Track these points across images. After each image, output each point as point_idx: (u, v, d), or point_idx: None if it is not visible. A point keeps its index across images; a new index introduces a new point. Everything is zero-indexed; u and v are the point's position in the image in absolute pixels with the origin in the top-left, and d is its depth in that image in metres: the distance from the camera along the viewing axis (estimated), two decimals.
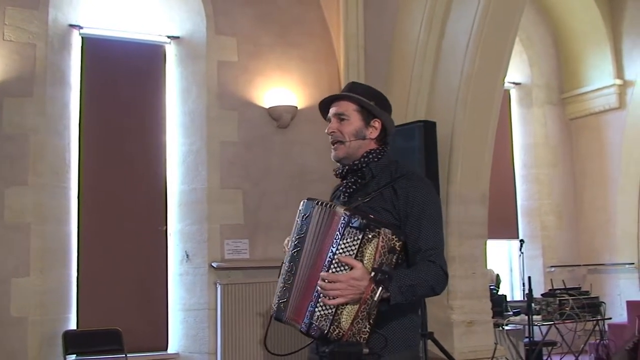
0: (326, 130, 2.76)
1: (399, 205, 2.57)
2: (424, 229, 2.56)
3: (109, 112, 6.52)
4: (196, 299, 6.40)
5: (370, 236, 2.38)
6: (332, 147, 2.75)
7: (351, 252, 2.39)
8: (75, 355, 5.89)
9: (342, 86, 6.83)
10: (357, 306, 2.38)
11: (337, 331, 2.39)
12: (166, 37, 6.77)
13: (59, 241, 5.99)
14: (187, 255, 6.46)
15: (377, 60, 6.67)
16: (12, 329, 5.66)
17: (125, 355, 5.87)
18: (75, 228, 6.18)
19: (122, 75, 6.63)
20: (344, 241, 2.39)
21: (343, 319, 2.39)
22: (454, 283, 5.85)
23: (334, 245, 2.41)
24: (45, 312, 5.81)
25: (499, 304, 6.96)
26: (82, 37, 6.42)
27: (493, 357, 5.81)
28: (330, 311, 2.40)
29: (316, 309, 2.41)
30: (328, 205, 2.53)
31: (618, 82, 8.78)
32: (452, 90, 5.89)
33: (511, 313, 7.07)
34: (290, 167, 6.79)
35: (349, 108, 2.73)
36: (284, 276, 2.58)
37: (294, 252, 2.56)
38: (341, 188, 2.75)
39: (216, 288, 6.32)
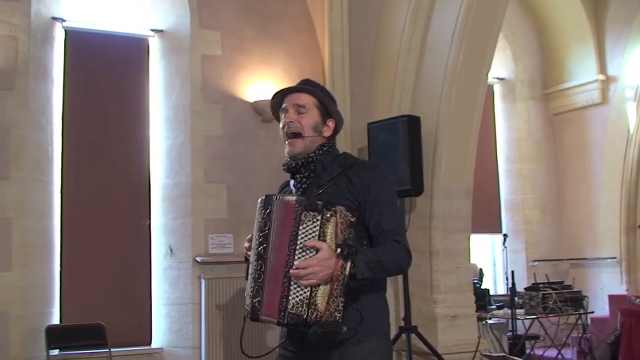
0: (284, 120, 2.75)
1: (356, 193, 2.62)
2: (384, 211, 2.62)
3: (92, 106, 6.48)
4: (180, 294, 6.39)
5: (328, 215, 2.43)
6: (287, 141, 2.75)
7: (314, 235, 2.43)
8: (58, 350, 5.85)
9: (327, 80, 6.87)
10: (330, 285, 2.42)
11: (314, 314, 2.41)
12: (150, 31, 6.73)
13: (41, 235, 5.95)
14: (171, 250, 6.44)
15: (362, 54, 6.66)
16: None
17: (109, 349, 5.85)
18: (58, 222, 6.14)
19: (105, 69, 6.58)
20: (304, 226, 2.44)
21: (318, 301, 2.41)
22: (438, 277, 5.86)
23: (295, 232, 2.44)
24: (28, 307, 5.77)
25: (483, 298, 6.99)
26: (65, 30, 6.36)
27: (476, 350, 5.84)
28: (305, 295, 2.41)
29: (290, 297, 2.43)
30: (281, 198, 2.57)
31: (601, 77, 8.82)
32: (436, 85, 5.90)
33: (494, 307, 7.11)
34: (274, 162, 6.73)
35: (309, 101, 2.75)
36: (253, 275, 2.55)
37: (260, 249, 2.54)
38: (294, 184, 2.78)
39: (200, 282, 6.31)
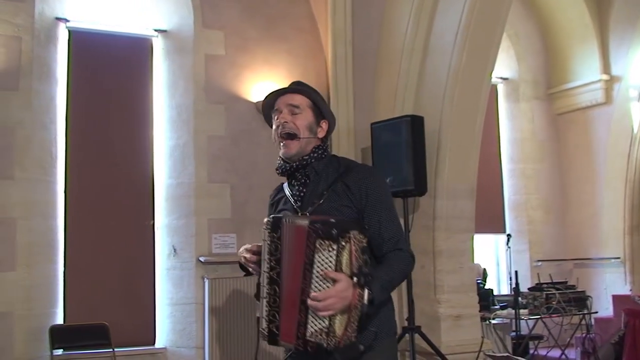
0: (277, 121, 2.73)
1: (355, 199, 2.59)
2: (384, 220, 2.60)
3: (96, 106, 6.49)
4: (183, 294, 6.39)
5: (343, 244, 2.37)
6: (282, 143, 2.72)
7: (330, 265, 2.37)
8: (62, 350, 5.85)
9: (330, 80, 6.87)
10: (347, 313, 2.39)
11: (333, 341, 2.39)
12: (153, 31, 6.74)
13: (45, 235, 5.96)
14: (175, 250, 6.45)
15: (365, 54, 6.66)
16: None
17: (113, 349, 5.85)
18: (62, 222, 6.15)
19: (109, 69, 6.59)
20: (320, 255, 2.38)
21: (337, 328, 2.39)
22: (441, 277, 5.86)
23: (310, 260, 2.39)
24: (32, 307, 5.78)
25: (486, 298, 6.98)
26: (68, 30, 6.37)
27: (480, 350, 5.83)
28: (324, 325, 2.39)
29: (308, 325, 2.41)
30: (291, 221, 2.50)
31: (605, 77, 8.81)
32: (439, 85, 5.89)
33: (498, 307, 7.10)
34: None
35: (303, 102, 2.72)
36: (267, 299, 2.52)
37: (273, 274, 2.51)
38: (291, 193, 2.74)
39: (204, 282, 6.31)
